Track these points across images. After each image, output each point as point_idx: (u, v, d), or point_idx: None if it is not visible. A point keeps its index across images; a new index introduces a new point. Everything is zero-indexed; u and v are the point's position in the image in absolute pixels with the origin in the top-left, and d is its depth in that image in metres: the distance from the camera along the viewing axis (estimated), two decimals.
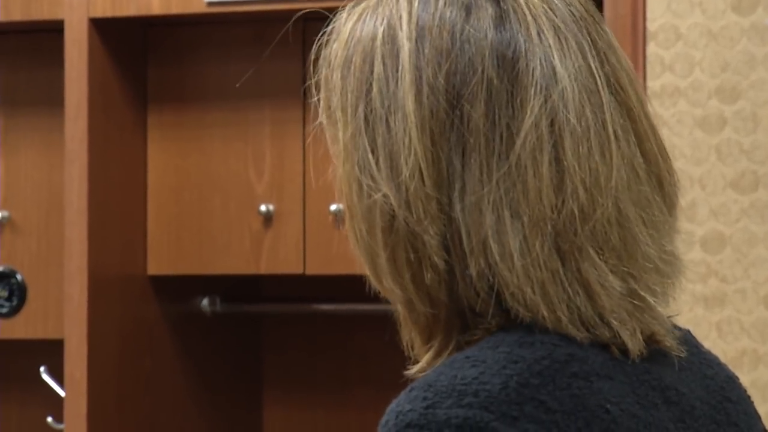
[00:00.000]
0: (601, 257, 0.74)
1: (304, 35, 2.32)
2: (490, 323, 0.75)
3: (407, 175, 0.75)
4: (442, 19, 0.77)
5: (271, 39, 2.35)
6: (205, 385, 2.57)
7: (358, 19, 0.79)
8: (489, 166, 0.74)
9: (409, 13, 0.78)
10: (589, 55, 0.77)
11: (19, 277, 2.24)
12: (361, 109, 0.77)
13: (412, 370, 0.79)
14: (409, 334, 0.80)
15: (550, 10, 0.78)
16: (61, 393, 2.24)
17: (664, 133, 1.87)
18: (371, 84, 0.77)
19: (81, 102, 2.30)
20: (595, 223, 0.74)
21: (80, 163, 2.25)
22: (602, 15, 1.94)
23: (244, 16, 2.40)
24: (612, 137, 0.76)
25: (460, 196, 0.74)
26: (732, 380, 0.84)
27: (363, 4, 0.80)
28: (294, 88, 2.23)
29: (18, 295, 2.30)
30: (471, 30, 0.76)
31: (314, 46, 0.81)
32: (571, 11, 0.78)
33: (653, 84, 1.97)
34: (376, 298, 0.88)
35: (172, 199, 2.37)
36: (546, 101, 0.74)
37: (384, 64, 0.77)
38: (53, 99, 2.35)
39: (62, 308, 2.33)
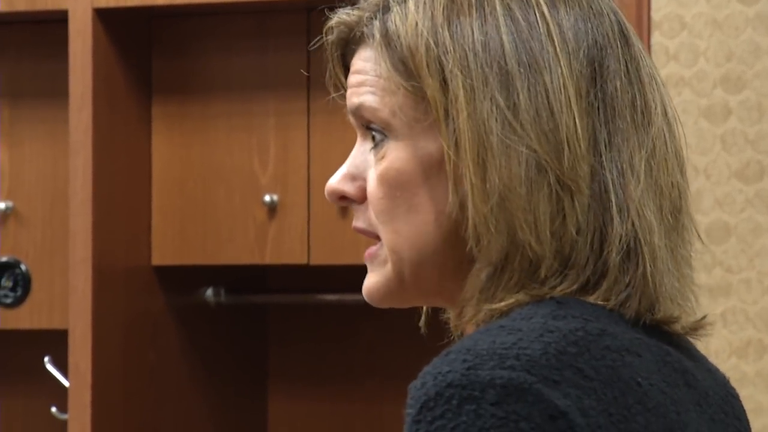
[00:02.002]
0: (686, 240, 0.79)
1: (308, 26, 2.34)
2: (557, 285, 0.77)
3: (566, 134, 0.76)
4: None
5: (275, 30, 2.45)
6: (210, 376, 2.59)
7: None
8: (634, 138, 0.77)
9: None
10: (651, 64, 0.83)
11: (23, 267, 2.26)
12: (494, 65, 0.78)
13: (468, 326, 0.81)
14: (487, 291, 0.80)
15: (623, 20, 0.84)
16: (66, 383, 2.25)
17: None
18: (503, 43, 0.77)
19: (85, 93, 2.31)
20: (683, 211, 0.80)
21: (84, 154, 2.26)
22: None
23: (248, 6, 2.41)
24: (679, 135, 0.82)
25: (609, 160, 0.77)
26: (727, 378, 0.87)
27: None
28: (298, 78, 2.22)
29: (22, 285, 2.32)
30: (594, 6, 0.79)
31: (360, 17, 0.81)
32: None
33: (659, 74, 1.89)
34: None
35: (177, 189, 2.38)
36: (657, 88, 0.79)
37: (516, 25, 0.78)
38: (57, 90, 2.36)
39: (67, 299, 2.34)
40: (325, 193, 0.84)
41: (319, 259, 2.49)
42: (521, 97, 0.77)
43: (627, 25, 0.82)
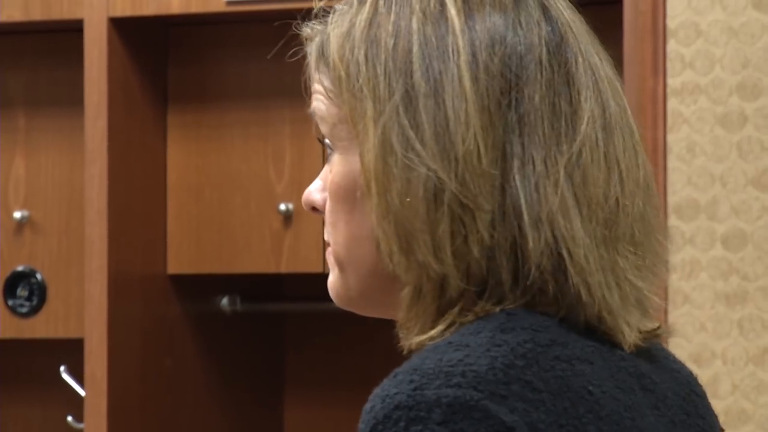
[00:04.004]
0: (629, 251, 0.79)
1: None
2: (500, 301, 0.78)
3: (463, 152, 0.77)
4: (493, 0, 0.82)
5: (291, 37, 2.57)
6: (226, 384, 2.63)
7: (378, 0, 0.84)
8: (553, 149, 0.77)
9: None
10: (608, 63, 0.82)
11: (39, 276, 2.32)
12: (399, 85, 0.79)
13: (413, 341, 0.81)
14: (415, 311, 0.81)
15: (574, 12, 0.82)
16: (82, 392, 2.31)
17: (685, 131, 2.03)
18: (411, 61, 0.79)
19: (101, 102, 2.36)
20: (628, 218, 0.79)
21: (100, 162, 2.31)
22: (622, 13, 1.95)
23: (264, 14, 2.41)
24: (636, 138, 0.81)
25: (520, 173, 0.77)
26: (694, 376, 0.88)
27: None
28: None
29: (38, 294, 2.39)
30: (523, 14, 0.79)
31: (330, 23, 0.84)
32: (582, 19, 0.83)
33: (674, 81, 2.03)
34: None
35: (193, 198, 2.42)
36: (598, 93, 0.79)
37: (427, 40, 0.79)
38: (73, 99, 2.43)
39: (82, 307, 2.38)
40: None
41: None
42: (423, 116, 0.79)
43: (572, 26, 0.82)
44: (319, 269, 2.45)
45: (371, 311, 0.88)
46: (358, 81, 0.80)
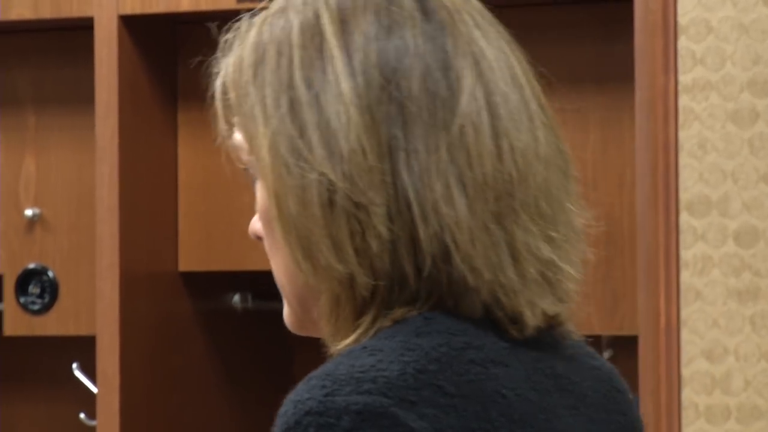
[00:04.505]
0: (532, 223, 0.80)
1: None
2: (430, 294, 0.79)
3: (348, 150, 0.79)
4: (365, 3, 0.82)
5: None
6: (236, 382, 2.64)
7: (263, 24, 0.84)
8: (434, 135, 0.79)
9: (326, 3, 0.83)
10: (503, 41, 0.84)
11: (50, 274, 2.35)
12: (284, 99, 0.80)
13: (339, 347, 0.82)
14: (335, 318, 0.82)
15: (464, 0, 0.85)
16: (94, 389, 2.32)
17: (696, 128, 2.05)
18: (293, 74, 0.81)
19: (111, 100, 2.37)
20: (529, 189, 0.80)
21: (111, 160, 2.32)
22: (633, 10, 1.96)
23: None
24: (535, 114, 0.82)
25: (406, 164, 0.79)
26: (615, 371, 0.90)
27: (263, 14, 0.85)
28: None
29: (50, 292, 2.42)
30: (395, 10, 0.81)
31: (219, 51, 0.86)
32: (476, 5, 0.85)
33: (685, 78, 2.05)
34: None
35: (203, 195, 2.43)
36: (479, 75, 0.80)
37: (305, 53, 0.81)
38: (83, 97, 2.45)
39: (94, 305, 2.39)
40: None
41: None
42: (309, 124, 0.80)
43: (455, 15, 0.84)
44: None
45: (315, 333, 0.88)
46: (249, 104, 0.82)
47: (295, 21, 0.82)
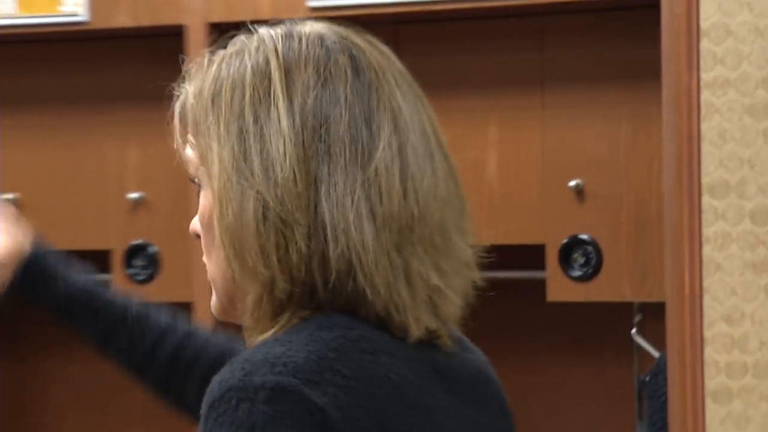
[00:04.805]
0: (426, 254, 0.92)
1: (396, 37, 2.49)
2: (334, 301, 0.90)
3: (282, 177, 0.90)
4: (307, 58, 0.93)
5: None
6: None
7: (222, 62, 0.95)
8: (352, 173, 0.90)
9: (276, 52, 0.94)
10: (417, 100, 0.96)
11: (153, 249, 2.54)
12: (234, 126, 0.92)
13: (255, 341, 0.92)
14: (257, 314, 0.93)
15: (389, 63, 0.97)
16: None
17: (716, 120, 2.10)
18: (244, 108, 0.92)
19: None
20: (426, 225, 0.92)
21: None
22: (660, 15, 2.07)
23: (346, 19, 2.41)
24: (438, 161, 0.94)
25: (326, 194, 0.90)
26: (489, 364, 1.03)
27: (222, 53, 0.97)
28: None
29: (153, 264, 2.60)
30: (332, 67, 0.93)
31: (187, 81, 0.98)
32: (399, 67, 0.98)
33: (706, 76, 2.16)
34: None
35: None
36: (395, 128, 0.92)
37: (255, 92, 0.92)
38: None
39: (191, 275, 2.56)
40: None
41: None
42: (252, 151, 0.91)
43: (381, 74, 0.95)
44: None
45: (239, 321, 0.98)
46: (204, 126, 0.93)
47: (249, 63, 0.93)
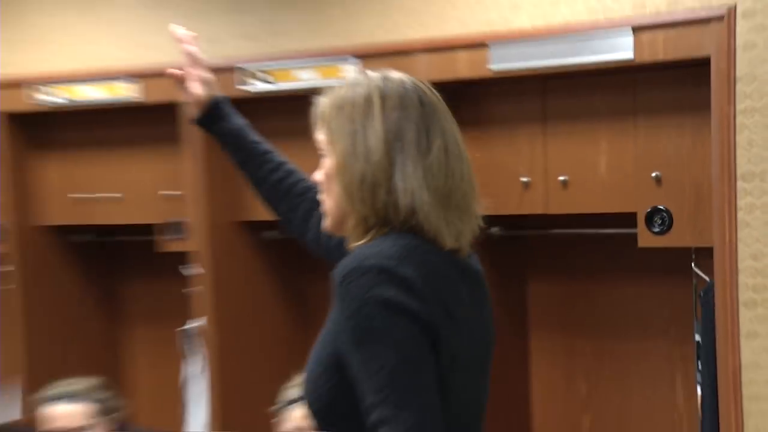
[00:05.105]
0: (455, 209, 1.23)
1: (545, 89, 2.96)
2: (393, 228, 1.21)
3: (374, 159, 1.19)
4: (394, 92, 1.24)
5: (520, 94, 3.04)
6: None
7: (344, 88, 1.27)
8: (415, 162, 1.21)
9: (378, 87, 1.25)
10: (453, 123, 1.28)
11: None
12: (349, 127, 1.23)
13: (354, 246, 1.26)
14: (357, 230, 1.25)
15: (438, 101, 1.30)
16: None
17: (746, 134, 2.48)
18: (355, 117, 1.22)
19: None
20: (456, 194, 1.23)
21: None
22: (710, 68, 2.51)
23: (517, 77, 2.89)
24: (464, 160, 1.26)
25: (400, 172, 1.20)
26: (483, 273, 1.34)
27: (347, 81, 1.30)
28: None
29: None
30: (408, 99, 1.23)
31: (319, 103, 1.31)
32: (443, 104, 1.30)
33: (740, 106, 2.52)
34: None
35: None
36: (442, 139, 1.24)
37: (362, 108, 1.23)
38: None
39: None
40: None
41: (554, 209, 2.97)
42: (360, 143, 1.21)
43: (429, 105, 1.26)
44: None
45: (344, 233, 1.32)
46: (333, 125, 1.26)
47: (361, 91, 1.25)
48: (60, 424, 2.65)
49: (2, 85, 3.48)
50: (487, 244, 2.82)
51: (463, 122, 2.56)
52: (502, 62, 2.88)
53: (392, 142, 1.29)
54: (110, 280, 3.90)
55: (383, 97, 1.29)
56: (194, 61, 1.78)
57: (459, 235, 1.29)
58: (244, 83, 3.17)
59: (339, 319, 1.25)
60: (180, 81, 1.78)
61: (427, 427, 1.20)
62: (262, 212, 2.13)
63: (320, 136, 1.33)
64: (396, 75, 1.35)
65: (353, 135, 1.30)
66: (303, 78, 3.15)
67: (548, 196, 3.08)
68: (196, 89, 1.75)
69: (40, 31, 3.60)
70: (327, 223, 1.35)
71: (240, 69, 3.18)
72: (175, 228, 3.38)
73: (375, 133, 1.28)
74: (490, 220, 2.61)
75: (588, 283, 3.30)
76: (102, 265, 3.86)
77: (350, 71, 3.06)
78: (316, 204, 1.51)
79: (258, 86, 3.15)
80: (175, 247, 3.39)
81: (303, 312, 3.48)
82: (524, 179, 3.03)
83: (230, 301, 3.26)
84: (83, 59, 3.51)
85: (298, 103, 1.95)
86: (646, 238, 2.90)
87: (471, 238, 1.33)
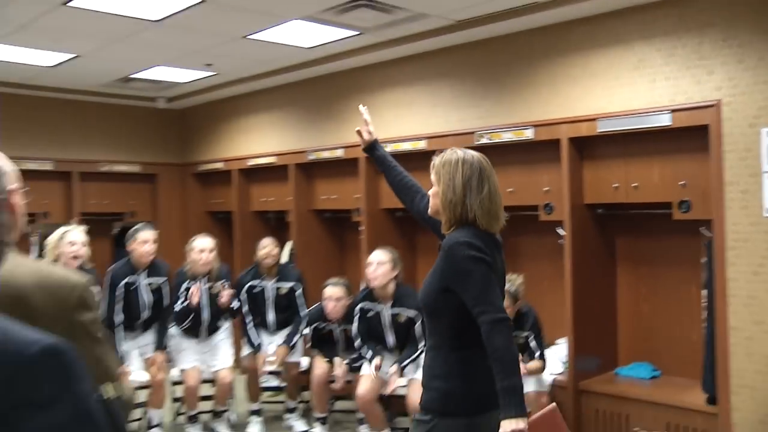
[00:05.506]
0: (493, 219, 2.43)
1: (625, 141, 4.40)
2: (464, 224, 2.35)
3: (458, 193, 2.41)
4: (470, 160, 2.44)
5: (613, 143, 4.59)
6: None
7: (447, 155, 2.46)
8: (475, 194, 2.41)
9: (462, 156, 2.45)
10: (496, 175, 2.47)
11: None
12: (447, 177, 2.44)
13: (446, 232, 2.42)
14: (446, 224, 2.41)
15: (489, 164, 2.48)
16: None
17: (727, 162, 4.11)
18: (449, 171, 2.43)
19: None
20: (495, 208, 2.44)
21: None
22: (708, 133, 4.27)
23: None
24: (500, 195, 2.46)
25: (469, 199, 2.40)
26: (501, 243, 2.43)
27: (448, 152, 2.46)
28: None
29: None
30: (475, 164, 2.43)
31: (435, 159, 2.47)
32: (491, 167, 2.49)
33: (725, 148, 3.70)
34: None
35: None
36: (489, 184, 2.45)
37: (454, 168, 2.43)
38: None
39: None
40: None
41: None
42: (452, 186, 2.40)
43: (484, 168, 2.39)
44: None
45: (439, 219, 2.47)
46: (440, 173, 2.47)
47: (454, 157, 2.44)
48: None
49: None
50: (595, 218, 4.85)
51: (585, 157, 4.82)
52: (604, 128, 4.53)
53: (466, 185, 2.37)
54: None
55: (464, 162, 2.40)
56: (366, 122, 3.00)
57: (493, 227, 2.34)
58: (478, 140, 5.25)
59: (445, 267, 2.31)
60: (360, 134, 3.00)
61: (499, 309, 2.24)
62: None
63: (432, 176, 2.44)
64: (471, 152, 2.41)
65: (448, 180, 2.40)
66: (505, 137, 5.15)
67: (627, 193, 4.58)
68: (367, 136, 2.99)
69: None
70: (431, 211, 2.49)
71: (474, 133, 5.28)
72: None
73: (458, 180, 2.39)
74: (598, 206, 4.83)
75: (648, 239, 4.98)
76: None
77: (529, 134, 4.86)
78: (424, 196, 2.70)
79: (483, 141, 5.26)
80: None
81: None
82: (615, 185, 4.65)
83: None
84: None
85: (500, 151, 3.84)
86: (677, 215, 4.32)
87: (499, 228, 2.36)
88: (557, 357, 5.08)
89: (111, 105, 8.05)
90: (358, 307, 5.05)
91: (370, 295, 5.00)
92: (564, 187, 4.81)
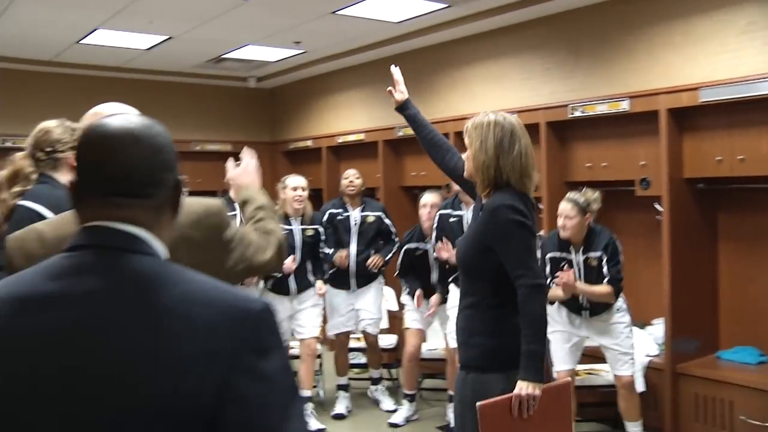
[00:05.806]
0: (527, 177, 2.51)
1: (730, 111, 4.34)
2: (498, 186, 2.46)
3: (490, 155, 2.51)
4: (502, 122, 2.54)
5: (716, 114, 4.43)
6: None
7: (480, 118, 2.54)
8: (509, 154, 2.51)
9: (495, 119, 2.55)
10: (528, 135, 2.58)
11: None
12: (478, 138, 2.54)
13: (482, 194, 2.54)
14: (481, 184, 2.51)
15: (522, 126, 2.58)
16: None
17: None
18: (481, 134, 2.52)
19: None
20: (529, 170, 2.55)
21: None
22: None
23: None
24: (531, 156, 2.53)
25: (502, 160, 2.51)
26: (535, 202, 2.59)
27: (482, 116, 2.56)
28: None
29: None
30: (507, 126, 2.52)
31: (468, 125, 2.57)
32: (524, 128, 2.58)
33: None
34: None
35: None
36: (520, 145, 2.55)
37: (486, 130, 2.52)
38: None
39: None
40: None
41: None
42: (485, 147, 2.49)
43: (515, 129, 2.48)
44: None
45: (473, 180, 2.59)
46: (472, 136, 2.57)
47: (486, 120, 2.54)
48: None
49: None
50: (696, 193, 4.72)
51: (685, 129, 4.67)
52: (707, 97, 4.45)
53: (498, 146, 2.45)
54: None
55: (495, 124, 2.48)
56: (398, 82, 3.10)
57: (527, 188, 2.43)
58: (571, 113, 5.26)
59: (486, 229, 2.42)
60: (392, 92, 3.10)
61: (537, 274, 2.38)
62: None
63: (465, 140, 2.51)
64: (504, 114, 2.46)
65: (480, 142, 2.47)
66: (599, 110, 5.10)
67: (732, 166, 4.45)
68: (399, 96, 3.07)
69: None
70: (467, 174, 2.57)
71: (567, 106, 5.27)
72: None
73: (491, 141, 2.46)
74: (698, 180, 4.68)
75: (753, 215, 4.81)
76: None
77: (625, 106, 4.81)
78: (454, 155, 2.75)
79: (576, 114, 5.25)
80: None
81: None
82: (718, 158, 4.50)
83: None
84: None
85: (594, 124, 3.85)
86: None
87: (533, 189, 2.46)
88: (652, 338, 4.95)
89: (203, 86, 8.30)
90: (404, 248, 5.29)
91: (420, 234, 5.24)
92: (662, 160, 4.70)
